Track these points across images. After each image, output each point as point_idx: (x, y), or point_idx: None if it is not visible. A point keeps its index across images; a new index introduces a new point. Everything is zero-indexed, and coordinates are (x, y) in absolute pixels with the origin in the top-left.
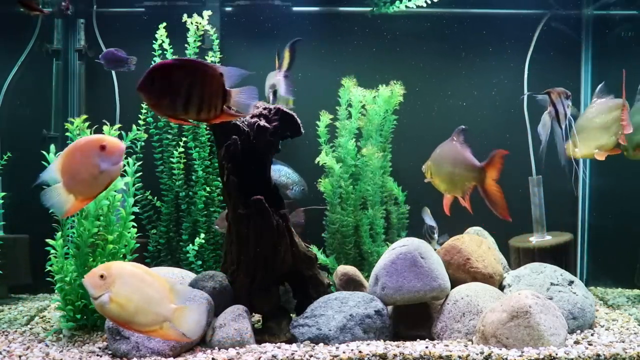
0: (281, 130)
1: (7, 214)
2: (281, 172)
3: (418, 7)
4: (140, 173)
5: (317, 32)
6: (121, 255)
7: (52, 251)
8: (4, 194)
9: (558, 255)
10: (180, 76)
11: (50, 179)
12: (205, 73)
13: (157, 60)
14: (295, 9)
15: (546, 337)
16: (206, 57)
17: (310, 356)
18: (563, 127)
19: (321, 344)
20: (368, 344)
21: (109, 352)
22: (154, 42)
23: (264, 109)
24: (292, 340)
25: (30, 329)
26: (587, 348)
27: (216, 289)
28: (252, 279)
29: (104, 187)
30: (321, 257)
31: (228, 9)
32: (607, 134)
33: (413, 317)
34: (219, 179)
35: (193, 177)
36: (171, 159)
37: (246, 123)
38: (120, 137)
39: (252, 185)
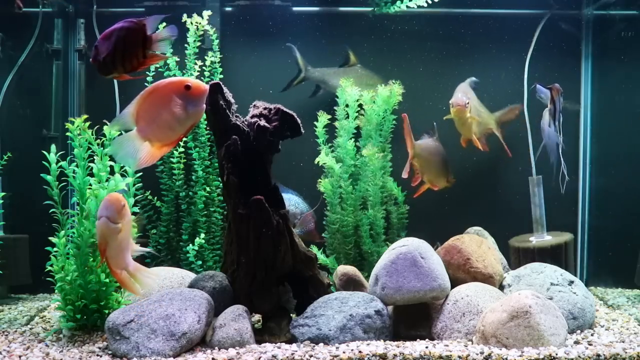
0: (281, 130)
1: (7, 214)
2: (290, 202)
3: (419, 7)
4: (140, 173)
5: (317, 32)
6: None
7: (53, 250)
8: (4, 194)
9: (558, 255)
10: (108, 37)
11: (121, 125)
12: (122, 27)
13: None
14: (295, 9)
15: (546, 337)
16: (206, 57)
17: (310, 356)
18: (557, 123)
19: (321, 344)
20: (368, 344)
21: (109, 352)
22: None
23: (264, 109)
24: (292, 340)
25: (30, 329)
26: (587, 348)
27: (216, 289)
28: (252, 279)
29: (186, 130)
30: (321, 257)
31: (228, 9)
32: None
33: (413, 317)
34: (219, 179)
35: (193, 177)
36: (171, 159)
37: (246, 123)
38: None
39: (252, 185)
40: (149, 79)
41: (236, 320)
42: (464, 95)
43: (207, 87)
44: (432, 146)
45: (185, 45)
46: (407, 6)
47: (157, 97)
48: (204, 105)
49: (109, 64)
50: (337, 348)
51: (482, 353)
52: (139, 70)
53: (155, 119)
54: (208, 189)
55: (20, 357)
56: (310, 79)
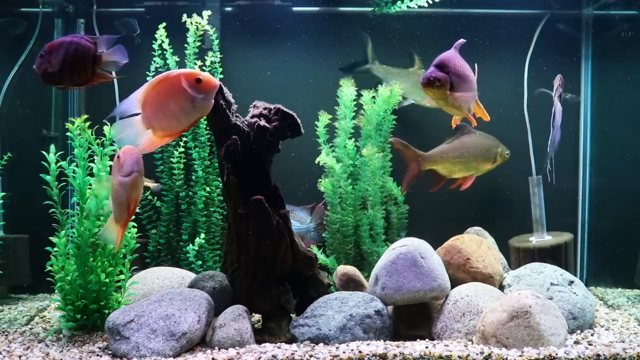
0: (281, 130)
1: (7, 214)
2: (296, 218)
3: (419, 7)
4: None
5: (317, 32)
6: (121, 256)
7: (53, 250)
8: (4, 194)
9: (558, 255)
10: (56, 48)
11: (127, 110)
12: (73, 42)
13: (157, 60)
14: (295, 9)
15: (546, 337)
16: (206, 57)
17: (310, 356)
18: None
19: (321, 344)
20: (368, 344)
21: (109, 352)
22: (153, 42)
23: (264, 108)
24: (292, 340)
25: (30, 329)
26: (587, 348)
27: (216, 289)
28: (252, 279)
29: (191, 123)
30: (321, 257)
31: (228, 9)
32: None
33: (413, 317)
34: (219, 179)
35: (193, 177)
36: (171, 159)
37: (246, 123)
38: None
39: (252, 185)
40: (148, 78)
41: (236, 320)
42: (435, 69)
43: (218, 82)
44: (450, 148)
45: (185, 45)
46: (408, 6)
47: (166, 86)
48: (213, 100)
49: (55, 75)
50: (337, 348)
51: (482, 353)
52: (87, 85)
53: (161, 108)
54: (208, 189)
55: (20, 357)
56: (373, 73)
